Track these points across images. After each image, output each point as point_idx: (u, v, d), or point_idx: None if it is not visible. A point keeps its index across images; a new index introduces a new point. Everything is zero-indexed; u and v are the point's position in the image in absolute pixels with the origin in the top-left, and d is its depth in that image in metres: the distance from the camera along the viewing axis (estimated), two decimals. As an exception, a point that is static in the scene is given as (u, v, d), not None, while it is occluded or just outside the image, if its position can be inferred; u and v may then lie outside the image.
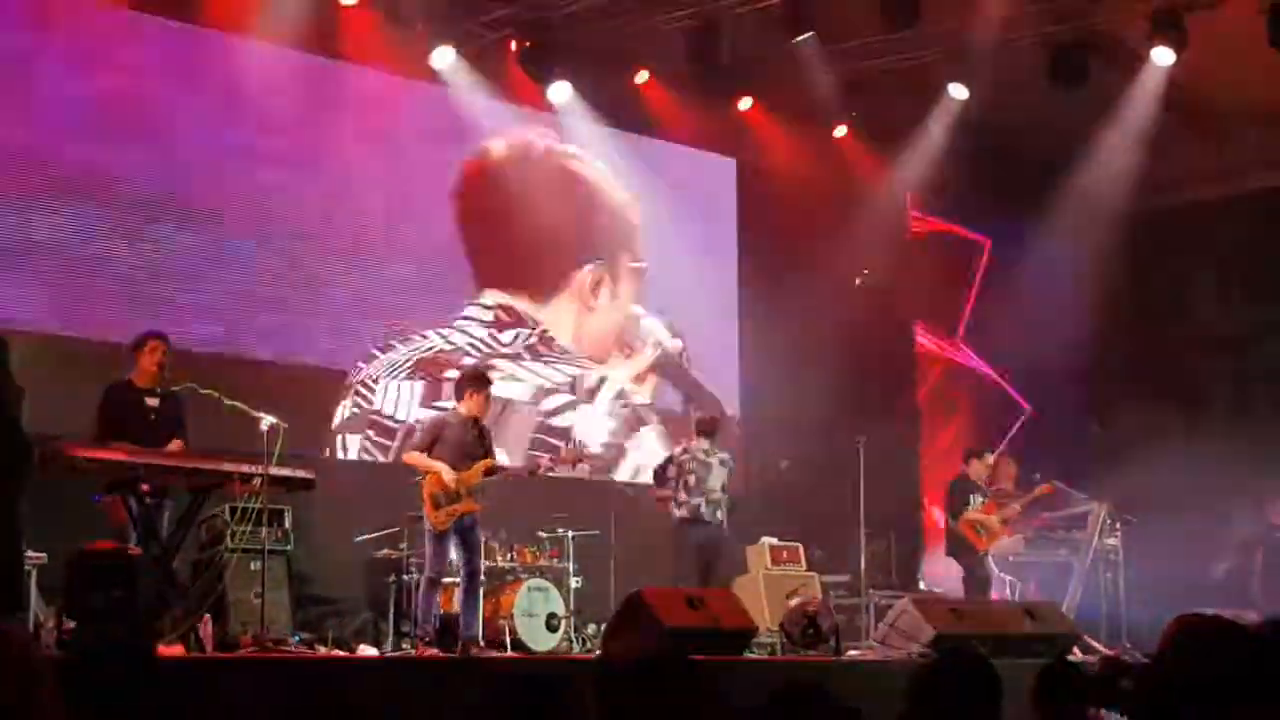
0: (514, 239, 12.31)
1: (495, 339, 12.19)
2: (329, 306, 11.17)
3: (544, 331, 12.41)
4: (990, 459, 11.67)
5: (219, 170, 10.62)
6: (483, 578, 9.44)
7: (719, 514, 10.43)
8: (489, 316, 12.27)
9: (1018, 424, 11.97)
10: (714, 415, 11.20)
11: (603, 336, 12.89)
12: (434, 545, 8.86)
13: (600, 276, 12.86)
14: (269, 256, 10.85)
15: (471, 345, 12.03)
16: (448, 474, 8.80)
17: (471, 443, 9.04)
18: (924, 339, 14.89)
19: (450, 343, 11.88)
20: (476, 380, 9.18)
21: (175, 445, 8.16)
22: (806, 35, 11.73)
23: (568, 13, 11.61)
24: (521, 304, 12.43)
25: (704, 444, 10.66)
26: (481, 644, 9.00)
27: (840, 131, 13.68)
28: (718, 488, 10.46)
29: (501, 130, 12.33)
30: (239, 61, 10.59)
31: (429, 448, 8.99)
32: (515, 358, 12.29)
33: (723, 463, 10.59)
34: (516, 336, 12.30)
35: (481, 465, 8.96)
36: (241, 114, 10.68)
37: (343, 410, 11.21)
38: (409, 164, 11.72)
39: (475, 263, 12.16)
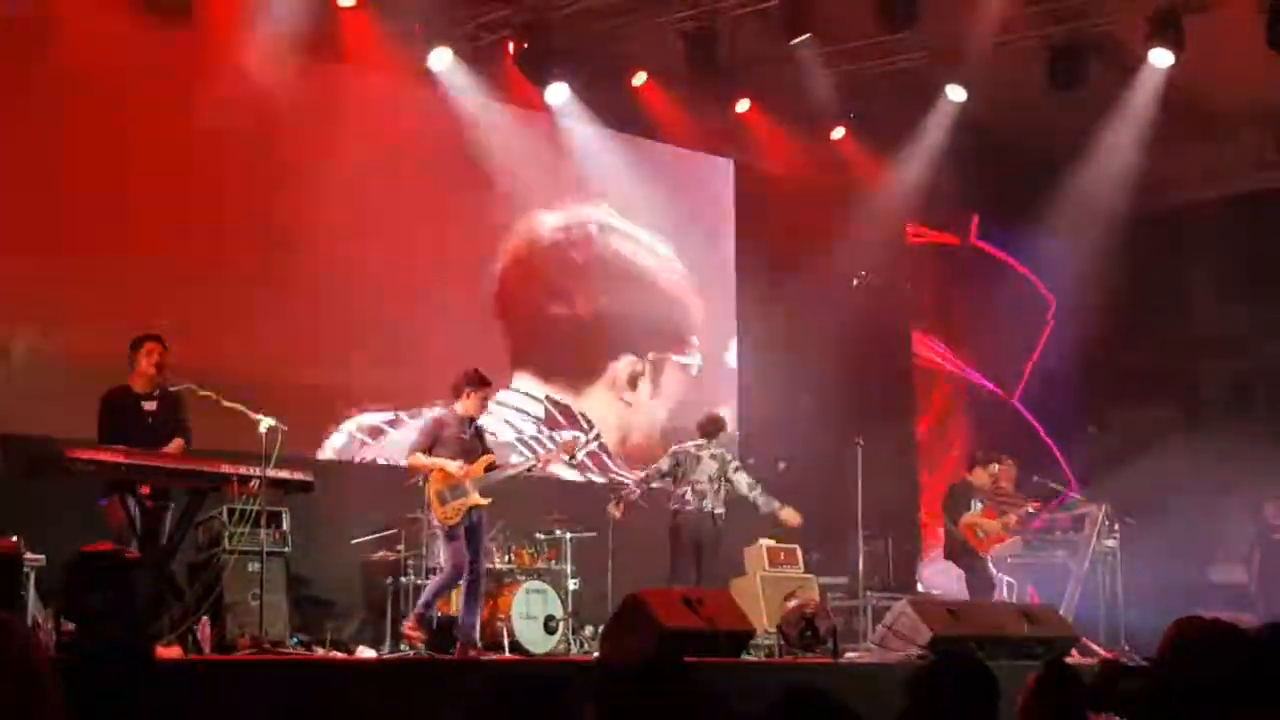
0: (555, 322, 12.32)
1: (553, 440, 11.90)
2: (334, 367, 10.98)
3: (598, 434, 11.96)
4: (995, 469, 11.62)
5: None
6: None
7: (706, 503, 10.42)
8: (539, 411, 12.20)
9: (1058, 496, 11.93)
10: (716, 416, 11.12)
11: (644, 436, 12.76)
12: (448, 544, 8.88)
13: (638, 371, 12.83)
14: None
15: (521, 441, 11.90)
16: (452, 465, 8.84)
17: (470, 441, 9.09)
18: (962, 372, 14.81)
19: (492, 432, 10.76)
20: (475, 381, 9.22)
21: (175, 445, 8.15)
22: (804, 37, 11.72)
23: (565, 14, 11.61)
24: (560, 394, 12.33)
25: (699, 440, 10.70)
26: (479, 645, 9.00)
27: (838, 133, 13.68)
28: (704, 478, 10.47)
29: (553, 203, 12.37)
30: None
31: (429, 449, 9.01)
32: (581, 468, 12.13)
33: (713, 456, 10.59)
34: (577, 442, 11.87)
35: (484, 460, 9.01)
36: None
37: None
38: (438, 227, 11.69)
39: (512, 344, 12.12)
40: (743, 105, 13.19)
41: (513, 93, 12.07)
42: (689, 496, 10.43)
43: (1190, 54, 11.72)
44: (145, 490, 7.82)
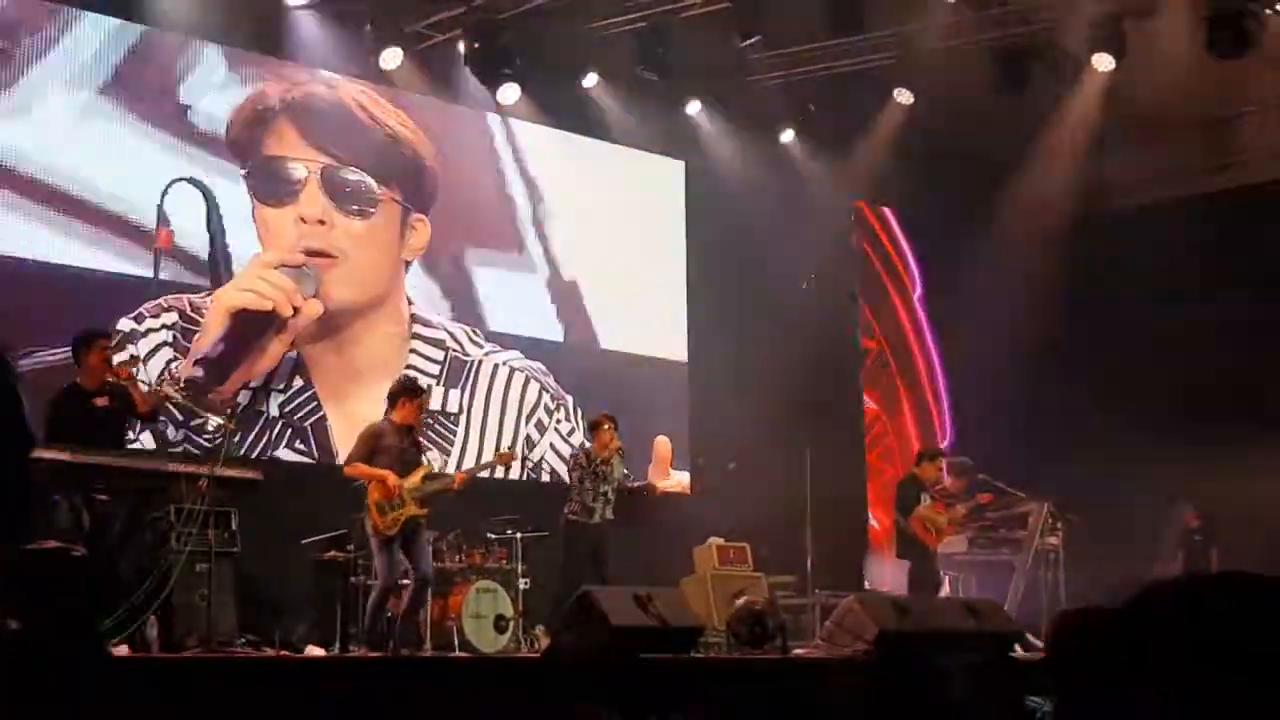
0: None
1: None
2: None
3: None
4: (942, 462, 11.75)
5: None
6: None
7: (609, 511, 10.43)
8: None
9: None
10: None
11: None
12: (384, 554, 8.90)
13: None
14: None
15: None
16: (392, 480, 8.87)
17: (408, 450, 9.16)
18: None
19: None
20: (410, 390, 9.30)
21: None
22: (754, 39, 11.82)
23: (517, 15, 11.62)
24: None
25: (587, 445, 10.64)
26: (418, 644, 9.00)
27: (787, 135, 13.78)
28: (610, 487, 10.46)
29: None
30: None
31: (369, 458, 9.04)
32: None
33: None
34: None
35: (420, 471, 9.08)
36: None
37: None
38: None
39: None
40: (693, 107, 13.26)
41: (464, 93, 12.08)
42: (592, 503, 10.30)
43: (1132, 59, 11.91)
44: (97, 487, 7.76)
